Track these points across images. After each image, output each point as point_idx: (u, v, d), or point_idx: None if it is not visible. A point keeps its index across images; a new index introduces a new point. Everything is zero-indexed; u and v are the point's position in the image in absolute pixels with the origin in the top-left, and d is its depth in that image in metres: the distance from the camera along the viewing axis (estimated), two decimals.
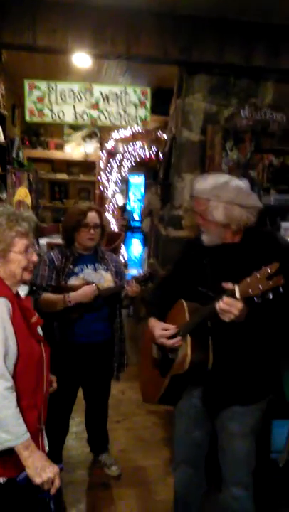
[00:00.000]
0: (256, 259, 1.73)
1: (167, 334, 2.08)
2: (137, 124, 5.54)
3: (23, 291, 2.17)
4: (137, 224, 14.10)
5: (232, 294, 1.71)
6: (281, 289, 1.62)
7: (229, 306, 1.72)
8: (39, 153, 8.50)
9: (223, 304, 1.73)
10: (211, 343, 1.97)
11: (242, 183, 1.99)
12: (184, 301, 2.09)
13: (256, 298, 1.66)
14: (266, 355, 2.05)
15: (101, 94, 5.43)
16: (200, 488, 2.31)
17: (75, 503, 2.84)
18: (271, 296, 1.63)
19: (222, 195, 1.92)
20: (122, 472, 3.12)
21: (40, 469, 1.59)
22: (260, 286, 1.62)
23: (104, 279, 2.85)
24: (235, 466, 2.11)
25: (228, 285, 1.74)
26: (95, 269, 2.86)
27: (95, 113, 5.46)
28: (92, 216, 2.80)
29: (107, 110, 5.45)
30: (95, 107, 5.45)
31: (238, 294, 1.69)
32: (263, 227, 2.06)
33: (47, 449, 1.84)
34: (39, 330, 1.88)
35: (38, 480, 1.59)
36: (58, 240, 6.64)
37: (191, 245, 2.22)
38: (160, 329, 2.12)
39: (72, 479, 3.01)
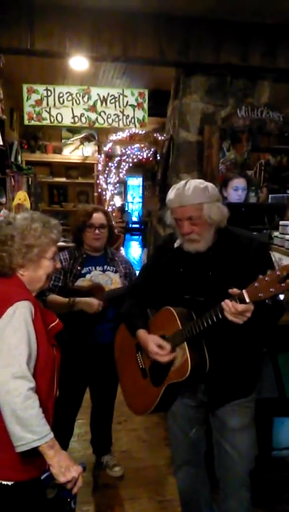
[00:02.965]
0: (233, 259, 1.84)
1: (164, 353, 2.01)
2: (135, 125, 5.57)
3: None
4: (136, 226, 14.12)
5: (241, 299, 1.71)
6: None
7: (244, 311, 1.72)
8: (37, 156, 8.51)
9: (237, 310, 1.72)
10: (204, 345, 1.97)
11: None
12: (172, 309, 2.03)
13: (268, 300, 1.70)
14: (253, 347, 2.08)
15: (99, 96, 5.46)
16: (205, 485, 2.31)
17: (80, 505, 2.81)
18: (282, 298, 1.66)
19: (211, 195, 1.93)
20: (125, 473, 3.12)
21: (64, 469, 1.61)
22: (272, 289, 1.63)
23: (112, 280, 2.87)
24: (237, 465, 2.10)
25: (234, 291, 1.74)
26: (104, 271, 2.89)
27: (93, 115, 5.48)
28: (97, 217, 2.84)
29: (104, 112, 5.47)
30: (92, 109, 5.47)
31: (247, 299, 1.70)
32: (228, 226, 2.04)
33: None
34: None
35: (62, 479, 1.61)
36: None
37: (162, 252, 2.19)
38: (155, 346, 2.04)
39: None
